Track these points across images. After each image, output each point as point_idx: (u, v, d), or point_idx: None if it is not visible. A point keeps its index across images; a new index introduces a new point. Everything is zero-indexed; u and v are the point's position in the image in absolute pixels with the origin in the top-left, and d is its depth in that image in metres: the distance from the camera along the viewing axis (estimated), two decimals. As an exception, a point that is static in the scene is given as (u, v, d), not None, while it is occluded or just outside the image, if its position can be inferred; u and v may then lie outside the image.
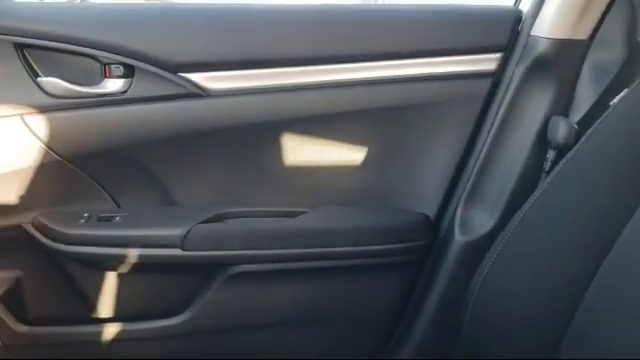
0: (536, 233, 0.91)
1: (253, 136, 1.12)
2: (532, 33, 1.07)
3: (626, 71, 0.99)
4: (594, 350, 0.80)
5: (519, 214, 0.93)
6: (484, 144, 1.13)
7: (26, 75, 1.03)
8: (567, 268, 0.86)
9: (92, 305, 1.13)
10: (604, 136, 0.88)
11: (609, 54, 1.02)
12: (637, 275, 0.77)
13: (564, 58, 1.05)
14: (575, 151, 0.90)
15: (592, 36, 1.04)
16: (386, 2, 2.35)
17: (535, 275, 0.90)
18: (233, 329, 1.15)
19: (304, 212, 1.14)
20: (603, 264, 0.82)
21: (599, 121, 0.88)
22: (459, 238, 1.13)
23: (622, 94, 0.89)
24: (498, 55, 1.10)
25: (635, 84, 0.85)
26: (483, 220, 1.12)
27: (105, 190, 1.12)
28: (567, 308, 0.85)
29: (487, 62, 1.11)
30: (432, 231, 1.17)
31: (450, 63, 1.10)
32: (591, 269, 0.83)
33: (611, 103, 0.92)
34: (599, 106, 1.00)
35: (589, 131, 0.89)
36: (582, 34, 1.04)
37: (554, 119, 1.04)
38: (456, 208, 1.16)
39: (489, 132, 1.12)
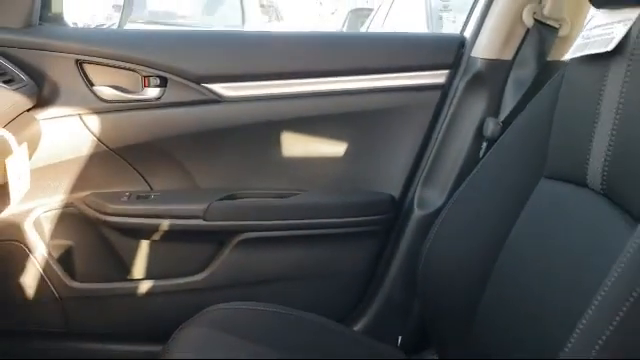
0: (469, 205, 1.15)
1: (258, 133, 1.37)
2: (472, 54, 1.35)
3: (536, 84, 1.26)
4: (512, 289, 1.04)
5: (458, 191, 1.19)
6: (436, 139, 1.38)
7: (83, 84, 1.28)
8: (490, 231, 1.09)
9: (130, 266, 1.36)
10: (518, 130, 1.14)
11: (526, 71, 1.29)
12: (533, 232, 1.03)
13: (494, 74, 1.32)
14: (499, 142, 1.18)
15: (514, 57, 1.32)
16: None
17: (467, 237, 1.13)
18: (242, 283, 1.38)
19: (297, 193, 1.39)
20: (514, 226, 1.09)
21: (515, 120, 1.16)
22: (417, 212, 1.37)
23: (532, 100, 1.17)
24: (446, 71, 1.37)
25: (540, 93, 1.13)
26: (435, 198, 1.36)
27: (141, 175, 1.36)
28: (489, 258, 1.09)
29: (438, 77, 1.37)
30: (396, 207, 1.41)
31: (409, 77, 1.36)
32: (506, 231, 1.08)
33: (526, 106, 1.19)
34: (517, 109, 1.27)
35: (509, 128, 1.17)
36: (507, 55, 1.31)
37: (487, 119, 1.31)
38: (415, 189, 1.40)
39: (440, 130, 1.38)
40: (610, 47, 0.90)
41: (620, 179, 0.87)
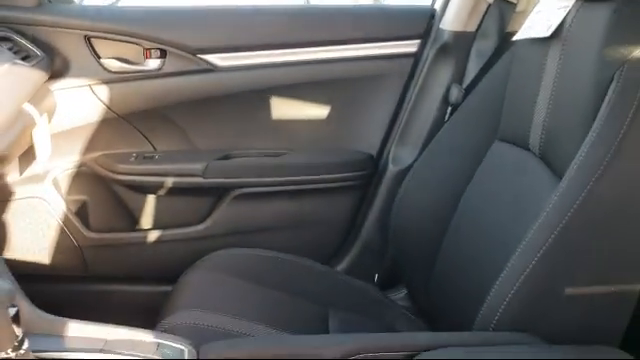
0: (435, 163, 1.30)
1: (249, 99, 1.50)
2: (440, 26, 1.48)
3: (496, 54, 1.40)
4: (465, 236, 1.20)
5: (426, 150, 1.35)
6: (409, 103, 1.52)
7: (92, 57, 1.41)
8: (451, 186, 1.24)
9: (139, 217, 1.52)
10: (478, 97, 1.28)
11: (487, 42, 1.43)
12: (484, 188, 1.19)
13: (460, 44, 1.45)
14: (461, 107, 1.32)
15: (477, 29, 1.46)
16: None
17: (431, 191, 1.28)
18: (238, 232, 1.53)
19: (285, 152, 1.54)
20: (471, 182, 1.24)
21: (476, 87, 1.30)
22: (391, 169, 1.52)
23: (491, 70, 1.31)
24: (418, 41, 1.50)
25: (497, 64, 1.27)
26: (407, 156, 1.51)
27: (146, 137, 1.50)
28: (449, 209, 1.23)
29: (410, 46, 1.50)
30: (374, 164, 1.56)
31: (385, 47, 1.49)
32: (464, 186, 1.22)
33: (485, 75, 1.33)
34: (478, 77, 1.41)
35: (470, 94, 1.31)
36: (471, 28, 1.44)
37: (452, 86, 1.45)
38: (390, 148, 1.54)
39: (412, 95, 1.51)
40: (548, 33, 1.04)
41: (552, 144, 1.03)
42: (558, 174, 0.97)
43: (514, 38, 1.15)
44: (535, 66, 1.09)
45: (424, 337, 0.86)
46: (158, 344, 0.77)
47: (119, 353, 0.72)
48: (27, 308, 0.78)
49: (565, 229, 0.85)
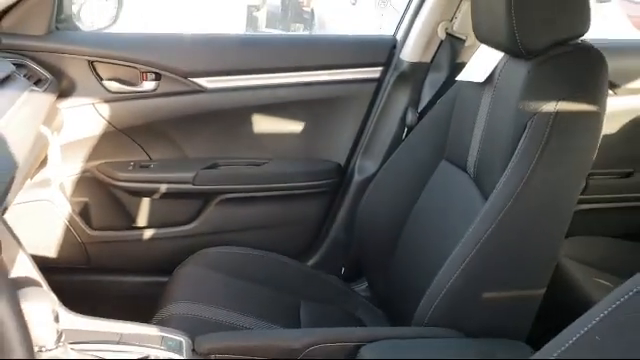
0: (392, 175, 1.47)
1: (234, 116, 1.68)
2: (400, 56, 1.67)
3: (446, 84, 1.58)
4: (413, 241, 1.38)
5: (385, 164, 1.54)
6: (372, 122, 1.71)
7: (94, 79, 1.56)
8: (405, 196, 1.41)
9: (136, 218, 1.70)
10: (429, 121, 1.44)
11: (440, 73, 1.61)
12: (429, 203, 1.39)
13: (416, 73, 1.64)
14: (415, 128, 1.51)
15: (432, 61, 1.65)
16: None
17: (389, 199, 1.46)
18: (223, 231, 1.70)
19: (265, 162, 1.71)
20: (420, 195, 1.42)
21: (429, 112, 1.49)
22: (357, 177, 1.71)
23: (441, 98, 1.48)
24: (380, 68, 1.68)
25: (446, 94, 1.45)
26: (370, 167, 1.69)
27: (142, 148, 1.67)
28: (403, 216, 1.40)
29: (373, 72, 1.68)
30: (341, 173, 1.74)
31: (352, 73, 1.67)
32: (415, 198, 1.41)
33: (437, 102, 1.51)
34: (431, 103, 1.59)
35: (424, 117, 1.51)
36: (426, 59, 1.64)
37: (409, 109, 1.64)
38: (356, 159, 1.73)
39: (375, 114, 1.70)
40: (482, 79, 1.24)
41: (482, 171, 1.24)
42: (485, 196, 1.17)
43: (457, 78, 1.35)
44: (473, 103, 1.29)
45: (369, 331, 1.07)
46: (162, 337, 0.96)
47: (134, 345, 0.91)
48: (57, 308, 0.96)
49: (484, 244, 1.06)
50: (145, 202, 1.70)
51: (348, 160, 1.76)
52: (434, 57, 1.64)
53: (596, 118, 1.05)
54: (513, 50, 1.11)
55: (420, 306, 1.09)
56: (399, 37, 1.69)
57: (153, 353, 0.90)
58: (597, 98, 1.05)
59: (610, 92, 1.69)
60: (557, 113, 1.03)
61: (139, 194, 1.68)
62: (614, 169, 1.87)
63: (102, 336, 0.94)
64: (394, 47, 1.68)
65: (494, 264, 1.07)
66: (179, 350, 0.94)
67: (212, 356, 0.98)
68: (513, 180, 1.06)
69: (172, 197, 1.69)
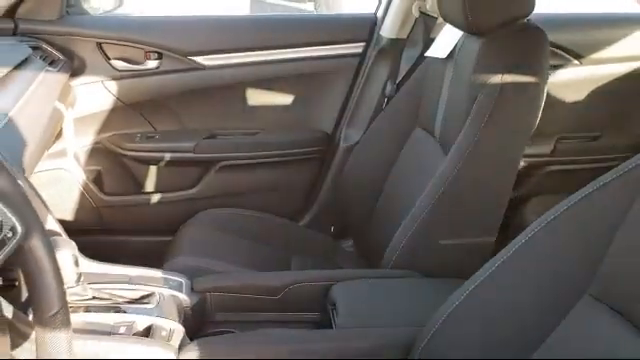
0: (373, 142, 1.63)
1: (230, 90, 1.82)
2: (380, 33, 1.80)
3: (420, 58, 1.72)
4: (390, 200, 1.57)
5: (368, 131, 1.69)
6: (355, 94, 1.84)
7: (103, 59, 1.71)
8: (384, 161, 1.56)
9: (144, 183, 1.87)
10: (405, 92, 1.60)
11: (415, 48, 1.76)
12: (403, 164, 1.55)
13: (394, 48, 1.78)
14: (393, 99, 1.66)
15: (408, 37, 1.79)
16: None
17: (370, 164, 1.62)
18: (222, 195, 1.86)
19: (259, 132, 1.87)
20: (397, 158, 1.58)
21: (405, 84, 1.64)
22: (342, 145, 1.85)
23: (416, 71, 1.62)
24: (363, 44, 1.81)
25: (419, 67, 1.59)
26: (354, 135, 1.83)
27: (148, 121, 1.83)
28: (382, 179, 1.57)
29: (356, 47, 1.81)
30: (328, 141, 1.89)
31: (337, 49, 1.80)
32: (393, 161, 1.57)
33: (412, 75, 1.65)
34: (407, 76, 1.74)
35: (400, 89, 1.65)
36: (403, 35, 1.77)
37: (388, 82, 1.79)
38: (341, 129, 1.87)
39: (358, 87, 1.83)
40: (444, 56, 1.39)
41: (445, 135, 1.39)
42: (445, 150, 1.32)
43: (425, 54, 1.49)
44: (439, 77, 1.44)
45: (340, 272, 1.24)
46: (165, 278, 1.13)
47: (141, 284, 1.08)
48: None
49: (441, 196, 1.22)
50: (152, 169, 1.86)
51: (334, 129, 1.91)
52: (410, 33, 1.77)
53: (537, 87, 1.19)
54: (467, 28, 1.26)
55: (387, 252, 1.26)
56: (379, 15, 1.81)
57: (158, 291, 1.07)
58: (537, 70, 1.19)
59: (576, 62, 1.85)
60: (502, 84, 1.18)
61: (146, 162, 1.84)
62: (582, 133, 2.01)
63: (114, 278, 1.11)
64: (375, 24, 1.81)
65: (450, 213, 1.23)
66: (179, 289, 1.11)
67: (207, 294, 1.16)
68: (465, 141, 1.21)
69: (175, 165, 1.85)
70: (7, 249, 0.66)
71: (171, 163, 1.83)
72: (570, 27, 1.85)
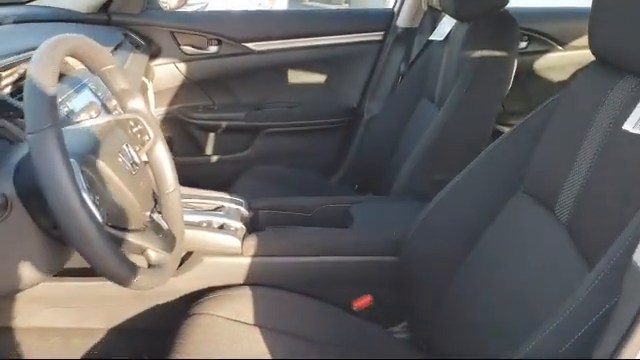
0: (389, 111, 2.00)
1: (274, 71, 2.22)
2: (396, 23, 2.18)
3: (427, 43, 2.08)
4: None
5: (384, 104, 2.08)
6: (376, 74, 2.20)
7: (175, 45, 2.12)
8: (396, 122, 1.96)
9: (204, 147, 2.26)
10: (415, 68, 1.99)
11: (425, 35, 2.11)
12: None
13: (407, 36, 2.15)
14: (406, 77, 2.04)
15: (418, 26, 2.16)
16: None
17: (385, 127, 1.96)
18: (269, 156, 2.23)
19: (296, 105, 2.26)
20: (408, 123, 1.96)
21: (415, 64, 2.01)
22: (366, 116, 2.21)
23: (423, 53, 2.00)
24: (382, 32, 2.19)
25: (426, 51, 1.97)
26: (375, 108, 2.19)
27: (209, 96, 2.23)
28: (396, 137, 1.99)
29: (377, 36, 2.18)
30: (354, 113, 2.26)
31: (361, 36, 2.18)
32: (402, 125, 1.97)
33: (420, 56, 2.02)
34: (417, 57, 2.09)
35: (411, 68, 2.03)
36: (415, 25, 2.14)
37: (402, 63, 2.17)
38: (365, 103, 2.23)
39: (378, 69, 2.19)
40: (441, 38, 1.76)
41: (442, 100, 1.76)
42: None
43: (429, 37, 1.86)
44: (438, 56, 1.81)
45: (359, 197, 1.63)
46: (230, 198, 1.53)
47: (212, 199, 1.49)
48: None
49: (434, 141, 1.60)
50: (211, 135, 2.27)
51: (359, 103, 2.29)
52: (420, 23, 2.14)
53: (507, 62, 1.54)
54: (458, 16, 1.63)
55: (394, 185, 1.64)
56: (396, 9, 2.19)
57: (227, 204, 1.47)
58: (508, 49, 1.54)
59: (560, 48, 2.19)
60: (481, 59, 1.54)
61: (206, 129, 2.25)
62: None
63: (190, 197, 1.53)
64: (392, 17, 2.19)
65: (441, 155, 1.59)
66: (240, 205, 1.51)
67: (259, 211, 1.56)
68: (453, 103, 1.58)
69: (230, 131, 2.25)
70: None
71: (226, 130, 2.24)
72: (556, 18, 2.20)
